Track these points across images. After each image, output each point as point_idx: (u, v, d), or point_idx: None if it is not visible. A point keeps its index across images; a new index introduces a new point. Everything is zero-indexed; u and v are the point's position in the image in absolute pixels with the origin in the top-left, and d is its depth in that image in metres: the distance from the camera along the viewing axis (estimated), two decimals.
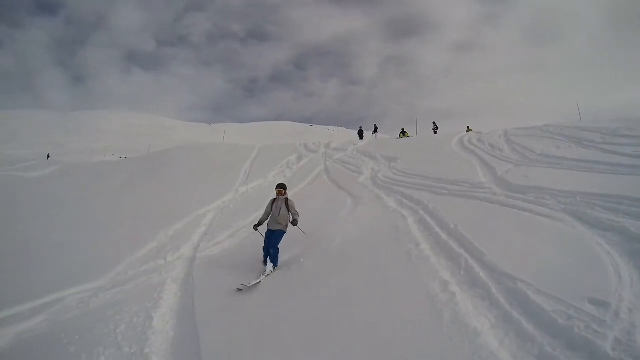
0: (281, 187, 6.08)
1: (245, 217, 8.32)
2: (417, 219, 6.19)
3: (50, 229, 8.36)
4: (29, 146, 65.75)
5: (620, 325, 2.62)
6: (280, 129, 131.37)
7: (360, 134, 25.40)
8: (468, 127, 22.17)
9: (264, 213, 6.01)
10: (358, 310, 3.65)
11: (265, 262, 5.51)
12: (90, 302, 4.72)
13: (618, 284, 3.17)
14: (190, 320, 4.18)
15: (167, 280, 5.33)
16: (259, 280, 4.97)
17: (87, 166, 21.78)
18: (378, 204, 7.79)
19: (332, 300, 4.02)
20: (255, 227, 5.96)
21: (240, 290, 4.76)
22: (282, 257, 5.66)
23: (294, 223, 5.76)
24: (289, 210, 5.85)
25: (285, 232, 5.77)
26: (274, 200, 6.01)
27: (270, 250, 5.53)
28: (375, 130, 26.20)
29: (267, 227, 5.81)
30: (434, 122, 24.66)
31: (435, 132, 23.61)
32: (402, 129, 23.33)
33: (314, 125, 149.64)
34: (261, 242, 5.83)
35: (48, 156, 37.92)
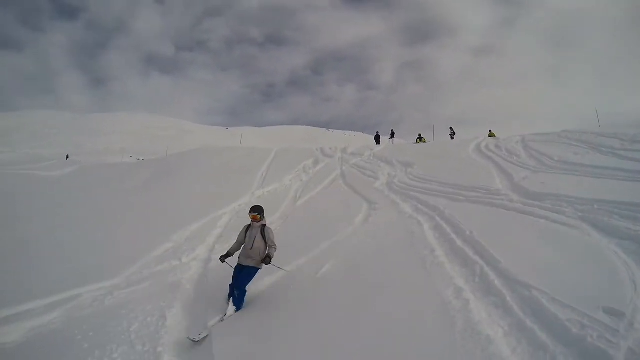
0: (256, 212, 4.78)
1: None
2: (433, 225, 6.22)
3: (67, 227, 8.43)
4: (49, 146, 67.56)
5: (634, 336, 2.62)
6: (297, 133, 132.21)
7: (377, 139, 25.33)
8: (490, 131, 21.85)
9: (236, 242, 4.91)
10: (371, 316, 3.69)
11: (228, 300, 4.61)
12: (105, 300, 4.75)
13: (634, 293, 3.16)
14: (203, 320, 4.27)
15: (182, 280, 5.39)
16: (207, 334, 3.97)
17: (106, 167, 22.33)
18: (394, 209, 7.84)
19: (346, 307, 4.02)
20: (223, 259, 4.79)
21: (193, 341, 3.84)
22: (296, 261, 5.51)
23: (267, 260, 4.51)
24: (265, 242, 4.69)
25: (259, 269, 4.68)
26: (247, 227, 4.87)
27: (236, 291, 4.52)
28: (392, 136, 26.08)
29: (237, 260, 4.77)
30: (450, 128, 24.52)
31: (452, 138, 23.39)
32: (419, 134, 23.23)
33: (331, 130, 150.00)
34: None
35: (67, 156, 38.53)
